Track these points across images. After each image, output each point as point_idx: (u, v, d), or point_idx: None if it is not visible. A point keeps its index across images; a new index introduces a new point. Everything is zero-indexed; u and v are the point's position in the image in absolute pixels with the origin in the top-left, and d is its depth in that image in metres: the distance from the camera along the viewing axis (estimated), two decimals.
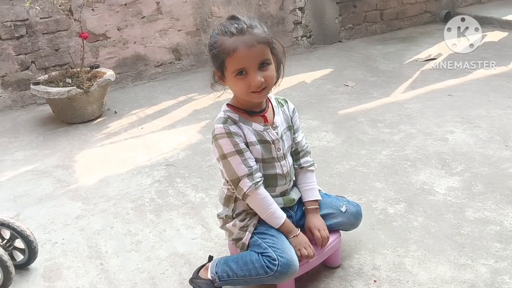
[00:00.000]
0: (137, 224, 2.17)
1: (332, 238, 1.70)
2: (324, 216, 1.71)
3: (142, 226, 2.15)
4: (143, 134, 3.26)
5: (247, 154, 1.55)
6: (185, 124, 3.38)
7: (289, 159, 1.69)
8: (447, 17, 5.75)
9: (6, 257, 1.74)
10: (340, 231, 1.76)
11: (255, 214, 1.61)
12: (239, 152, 1.53)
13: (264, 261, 1.50)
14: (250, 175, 1.54)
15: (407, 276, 1.71)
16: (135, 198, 2.40)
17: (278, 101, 1.70)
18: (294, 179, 1.75)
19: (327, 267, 1.78)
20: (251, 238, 1.59)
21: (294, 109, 1.73)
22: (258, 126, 1.58)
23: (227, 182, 1.62)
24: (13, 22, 3.78)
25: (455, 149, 2.64)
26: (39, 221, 2.25)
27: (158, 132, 3.28)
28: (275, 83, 1.56)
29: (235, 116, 1.56)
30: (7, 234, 1.90)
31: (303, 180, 1.74)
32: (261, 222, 1.61)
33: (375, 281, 1.70)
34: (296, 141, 1.72)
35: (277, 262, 1.48)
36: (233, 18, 1.49)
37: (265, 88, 1.49)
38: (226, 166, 1.55)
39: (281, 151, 1.63)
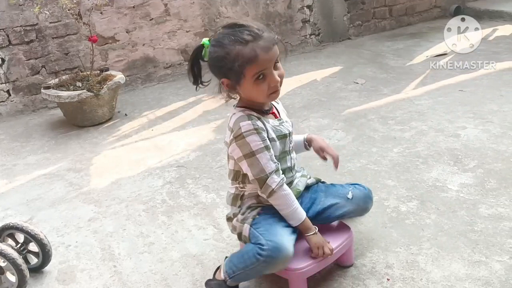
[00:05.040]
0: (149, 226, 2.18)
1: (344, 237, 1.70)
2: (330, 207, 1.69)
3: (154, 228, 2.16)
4: (154, 136, 3.27)
5: (271, 150, 1.55)
6: (195, 125, 3.39)
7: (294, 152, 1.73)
8: (457, 12, 5.69)
9: (20, 260, 1.75)
10: (352, 230, 1.75)
11: (256, 207, 1.61)
12: (267, 148, 1.53)
13: (255, 249, 1.49)
14: (277, 171, 1.54)
15: (421, 274, 1.70)
16: (146, 200, 2.41)
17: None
18: (298, 171, 1.75)
19: (340, 266, 1.77)
20: (249, 230, 1.58)
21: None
22: (274, 122, 1.60)
23: (236, 181, 1.63)
24: (23, 27, 3.82)
25: (468, 145, 2.62)
26: (52, 224, 2.27)
27: (168, 133, 3.29)
28: None
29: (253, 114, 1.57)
30: (21, 238, 1.92)
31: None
32: (261, 214, 1.60)
33: (388, 279, 1.69)
34: None
35: (265, 247, 1.46)
36: (238, 26, 1.47)
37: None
38: (254, 164, 1.52)
39: (291, 143, 1.67)
